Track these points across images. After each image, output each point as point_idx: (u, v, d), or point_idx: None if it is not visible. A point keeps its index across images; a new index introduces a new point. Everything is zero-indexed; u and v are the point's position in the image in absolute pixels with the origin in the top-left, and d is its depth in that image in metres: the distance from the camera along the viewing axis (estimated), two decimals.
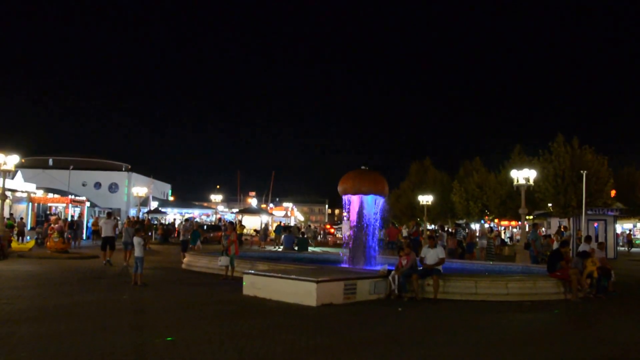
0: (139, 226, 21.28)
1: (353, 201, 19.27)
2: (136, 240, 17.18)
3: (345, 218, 23.42)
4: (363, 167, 19.78)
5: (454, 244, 28.46)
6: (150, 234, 36.59)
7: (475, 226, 58.08)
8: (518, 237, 52.28)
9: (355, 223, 19.24)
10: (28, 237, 33.44)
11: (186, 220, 44.54)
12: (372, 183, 19.01)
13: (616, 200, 46.20)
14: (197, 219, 63.36)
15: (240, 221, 54.39)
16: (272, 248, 38.50)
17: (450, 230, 43.16)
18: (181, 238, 27.90)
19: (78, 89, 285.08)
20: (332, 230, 74.12)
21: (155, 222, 46.21)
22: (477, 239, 31.13)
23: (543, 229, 53.48)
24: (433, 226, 58.61)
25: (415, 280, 14.89)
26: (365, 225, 19.00)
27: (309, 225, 69.84)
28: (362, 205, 19.04)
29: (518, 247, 27.28)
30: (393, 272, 15.21)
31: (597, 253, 17.61)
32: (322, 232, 69.27)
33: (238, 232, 32.32)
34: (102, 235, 23.69)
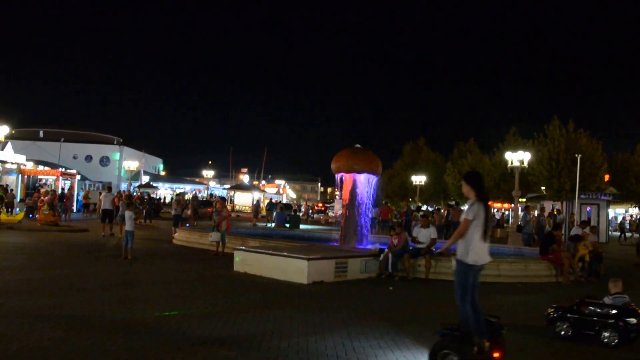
0: (129, 200, 21.21)
1: (346, 179, 19.08)
2: (127, 214, 17.06)
3: (337, 196, 23.36)
4: (357, 146, 19.60)
5: (440, 220, 28.50)
6: (142, 208, 36.36)
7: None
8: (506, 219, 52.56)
9: (347, 202, 19.10)
10: (17, 209, 33.16)
11: (178, 194, 44.28)
12: (365, 162, 18.83)
13: (609, 185, 46.29)
14: (188, 194, 63.18)
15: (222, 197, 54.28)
16: (264, 225, 38.35)
17: (437, 208, 43.26)
18: (173, 213, 27.72)
19: (71, 61, 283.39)
20: (323, 208, 74.11)
21: (145, 196, 45.94)
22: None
23: (536, 212, 53.66)
24: (426, 207, 58.58)
25: (407, 259, 14.81)
26: (357, 204, 18.85)
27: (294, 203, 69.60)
28: (355, 184, 18.85)
29: (512, 228, 27.27)
30: (385, 251, 15.12)
31: (590, 237, 17.56)
32: (311, 210, 68.52)
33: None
34: (102, 208, 24.39)
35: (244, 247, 15.86)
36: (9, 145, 41.10)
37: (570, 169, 40.48)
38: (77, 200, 41.83)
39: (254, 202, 54.84)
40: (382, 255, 15.07)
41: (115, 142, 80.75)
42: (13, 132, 41.31)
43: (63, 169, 47.24)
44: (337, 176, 19.40)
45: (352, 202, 18.85)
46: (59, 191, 37.96)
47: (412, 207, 37.86)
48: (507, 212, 60.20)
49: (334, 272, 13.85)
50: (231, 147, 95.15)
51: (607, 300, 9.03)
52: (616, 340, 8.42)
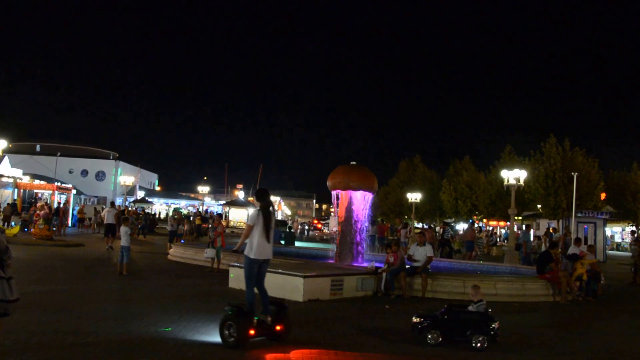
0: (124, 216, 21.19)
1: (342, 196, 19.03)
2: (123, 229, 16.98)
3: (332, 213, 23.31)
4: (353, 163, 19.57)
5: (431, 238, 28.22)
6: (137, 223, 36.25)
7: (464, 225, 58.09)
8: (500, 237, 52.52)
9: (343, 218, 19.02)
10: (13, 223, 32.98)
11: (174, 210, 44.23)
12: (361, 178, 18.79)
13: (606, 203, 46.25)
14: (183, 210, 62.93)
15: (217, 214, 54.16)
16: None
17: (430, 226, 43.27)
18: (169, 228, 27.68)
19: (68, 76, 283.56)
20: (319, 226, 73.84)
21: (140, 211, 45.82)
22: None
23: (532, 230, 53.53)
24: (422, 224, 58.51)
25: (403, 278, 14.70)
26: (353, 221, 18.77)
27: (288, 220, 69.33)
28: (351, 201, 18.80)
29: (509, 247, 27.17)
30: (383, 269, 15.01)
31: (588, 256, 17.49)
32: (307, 226, 68.41)
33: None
34: (105, 223, 25.80)
35: (238, 264, 15.73)
36: (6, 159, 41.09)
37: (567, 187, 40.44)
38: (73, 214, 41.69)
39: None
40: (384, 272, 14.91)
41: (111, 157, 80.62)
42: (10, 145, 41.24)
43: (59, 184, 47.15)
44: (333, 193, 19.36)
45: (348, 219, 18.78)
46: (55, 205, 37.85)
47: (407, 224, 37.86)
48: (502, 230, 60.22)
49: (329, 290, 13.74)
50: (227, 163, 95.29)
51: (471, 307, 9.52)
52: (485, 344, 8.98)
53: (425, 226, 52.40)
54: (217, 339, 8.46)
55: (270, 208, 9.22)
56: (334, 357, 8.09)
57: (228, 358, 7.84)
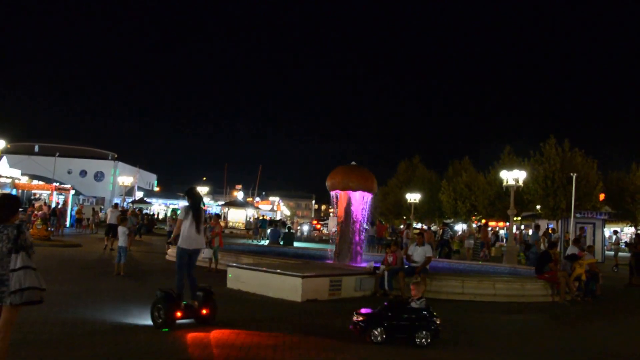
0: (123, 216, 21.16)
1: (341, 197, 18.98)
2: (120, 229, 16.91)
3: (332, 214, 23.25)
4: (352, 163, 19.51)
5: (430, 238, 27.97)
6: (137, 224, 36.23)
7: (463, 226, 58.08)
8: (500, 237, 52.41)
9: (342, 219, 18.98)
10: None
11: (173, 211, 44.22)
12: (360, 179, 18.75)
13: (605, 204, 46.28)
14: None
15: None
16: (254, 242, 38.29)
17: (429, 226, 43.23)
18: (167, 229, 27.68)
19: (68, 77, 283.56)
20: (318, 226, 73.70)
21: (137, 211, 45.75)
22: (465, 239, 30.98)
23: (530, 230, 53.44)
24: (421, 225, 58.51)
25: (401, 278, 14.64)
26: (352, 221, 18.72)
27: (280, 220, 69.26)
28: (350, 201, 18.76)
29: (509, 247, 27.11)
30: (382, 268, 14.95)
31: (587, 256, 17.46)
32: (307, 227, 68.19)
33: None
34: (107, 223, 26.00)
35: (237, 264, 15.70)
36: (4, 159, 41.01)
37: (566, 187, 40.52)
38: (71, 215, 41.63)
39: (253, 219, 54.95)
40: (385, 271, 14.84)
41: (110, 158, 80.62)
42: (9, 146, 41.16)
43: (57, 184, 47.06)
44: (332, 193, 19.32)
45: (347, 219, 18.75)
46: (53, 205, 37.79)
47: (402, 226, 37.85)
48: (501, 231, 60.26)
49: (328, 290, 13.68)
50: (226, 164, 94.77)
51: (414, 304, 9.32)
52: (429, 340, 8.95)
53: (425, 227, 52.41)
54: (149, 321, 9.31)
55: (200, 204, 10.56)
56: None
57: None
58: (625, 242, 46.50)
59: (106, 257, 21.50)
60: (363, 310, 9.29)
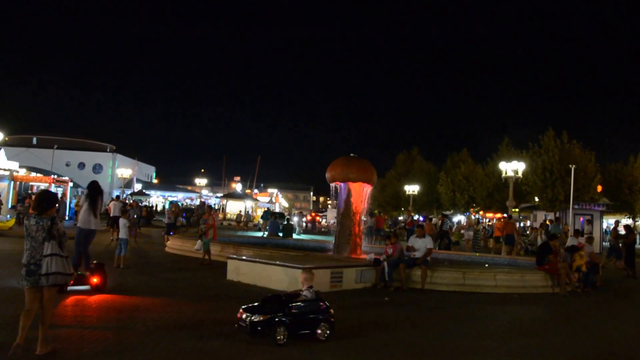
0: (124, 208, 21.14)
1: (341, 188, 18.95)
2: (122, 222, 16.89)
3: (330, 205, 23.20)
4: (352, 155, 19.46)
5: (431, 229, 27.64)
6: (136, 216, 36.22)
7: (461, 217, 58.14)
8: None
9: (342, 210, 18.95)
10: (9, 216, 32.82)
11: (171, 203, 44.16)
12: (361, 171, 18.71)
13: (603, 195, 46.33)
14: (181, 203, 62.80)
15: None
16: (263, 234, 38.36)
17: (430, 217, 43.22)
18: (166, 221, 27.67)
19: (65, 69, 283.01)
20: (317, 218, 73.73)
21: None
22: (464, 231, 30.94)
23: (528, 222, 53.47)
24: (419, 216, 58.48)
25: (402, 269, 14.64)
26: (352, 213, 18.70)
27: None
28: (350, 193, 18.72)
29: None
30: (382, 258, 14.95)
31: (586, 247, 17.48)
32: (309, 220, 67.58)
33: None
34: (111, 215, 26.68)
35: (237, 256, 15.69)
36: (2, 151, 40.85)
37: (564, 179, 40.56)
38: (70, 207, 41.53)
39: (245, 212, 55.22)
40: (385, 262, 14.81)
41: (108, 150, 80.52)
42: (7, 138, 41.05)
43: (55, 176, 46.96)
44: (332, 185, 19.28)
45: (347, 211, 18.71)
46: None
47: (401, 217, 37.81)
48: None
49: (329, 282, 13.68)
50: (224, 156, 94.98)
51: (307, 294, 8.52)
52: (328, 332, 8.26)
53: (421, 218, 52.37)
54: None
55: (97, 196, 12.98)
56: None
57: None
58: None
59: (112, 248, 21.42)
60: (249, 307, 8.21)
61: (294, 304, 8.27)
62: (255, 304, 8.35)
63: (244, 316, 8.07)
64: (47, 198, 7.30)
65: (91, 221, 12.97)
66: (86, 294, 11.18)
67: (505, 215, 33.19)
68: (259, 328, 7.87)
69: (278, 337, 7.85)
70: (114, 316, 9.54)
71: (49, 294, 7.01)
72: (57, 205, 7.50)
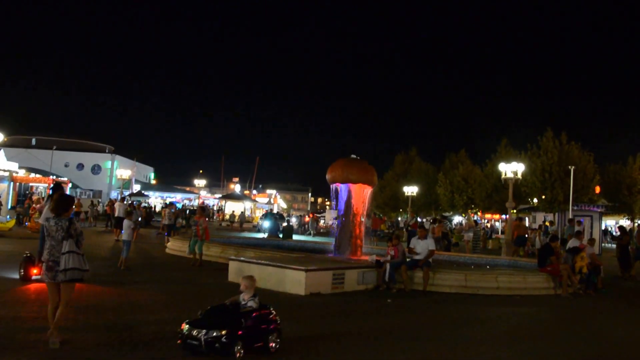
0: (128, 210, 21.14)
1: (341, 190, 18.93)
2: (126, 223, 16.87)
3: (328, 207, 23.17)
4: (353, 156, 19.45)
5: (439, 232, 27.47)
6: (140, 219, 36.16)
7: (460, 218, 58.12)
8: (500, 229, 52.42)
9: (342, 212, 18.93)
10: (8, 217, 32.80)
11: (168, 204, 44.14)
12: (361, 172, 18.68)
13: (602, 197, 46.39)
14: (180, 204, 62.70)
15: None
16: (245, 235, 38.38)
17: (436, 218, 43.11)
18: (166, 222, 27.65)
19: (64, 70, 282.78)
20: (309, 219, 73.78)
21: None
22: (464, 232, 30.92)
23: (527, 223, 53.52)
24: (420, 219, 58.53)
25: (404, 271, 14.66)
26: (352, 214, 18.67)
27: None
28: (350, 194, 18.69)
29: (506, 239, 27.02)
30: (384, 260, 14.95)
31: (588, 249, 17.49)
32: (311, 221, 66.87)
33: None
34: (115, 216, 27.91)
35: (238, 258, 15.68)
36: (1, 152, 40.86)
37: (563, 180, 40.63)
38: None
39: (240, 212, 55.35)
40: (387, 263, 14.81)
41: (107, 151, 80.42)
42: (6, 139, 40.98)
43: (54, 177, 46.95)
44: (332, 186, 19.23)
45: (347, 212, 18.68)
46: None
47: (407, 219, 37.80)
48: (497, 223, 60.39)
49: (331, 284, 13.69)
50: (223, 156, 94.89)
51: (252, 304, 7.85)
52: (278, 340, 7.73)
53: (420, 220, 52.38)
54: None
55: (59, 195, 12.53)
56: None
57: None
58: (612, 235, 46.69)
59: (116, 250, 21.37)
60: (195, 322, 7.42)
61: (246, 316, 7.58)
62: (199, 316, 7.54)
63: (194, 332, 7.17)
64: (64, 201, 8.15)
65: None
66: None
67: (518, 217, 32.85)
68: (216, 345, 7.05)
69: (238, 355, 7.15)
70: (113, 317, 9.51)
71: (66, 289, 7.59)
72: (73, 207, 8.40)
